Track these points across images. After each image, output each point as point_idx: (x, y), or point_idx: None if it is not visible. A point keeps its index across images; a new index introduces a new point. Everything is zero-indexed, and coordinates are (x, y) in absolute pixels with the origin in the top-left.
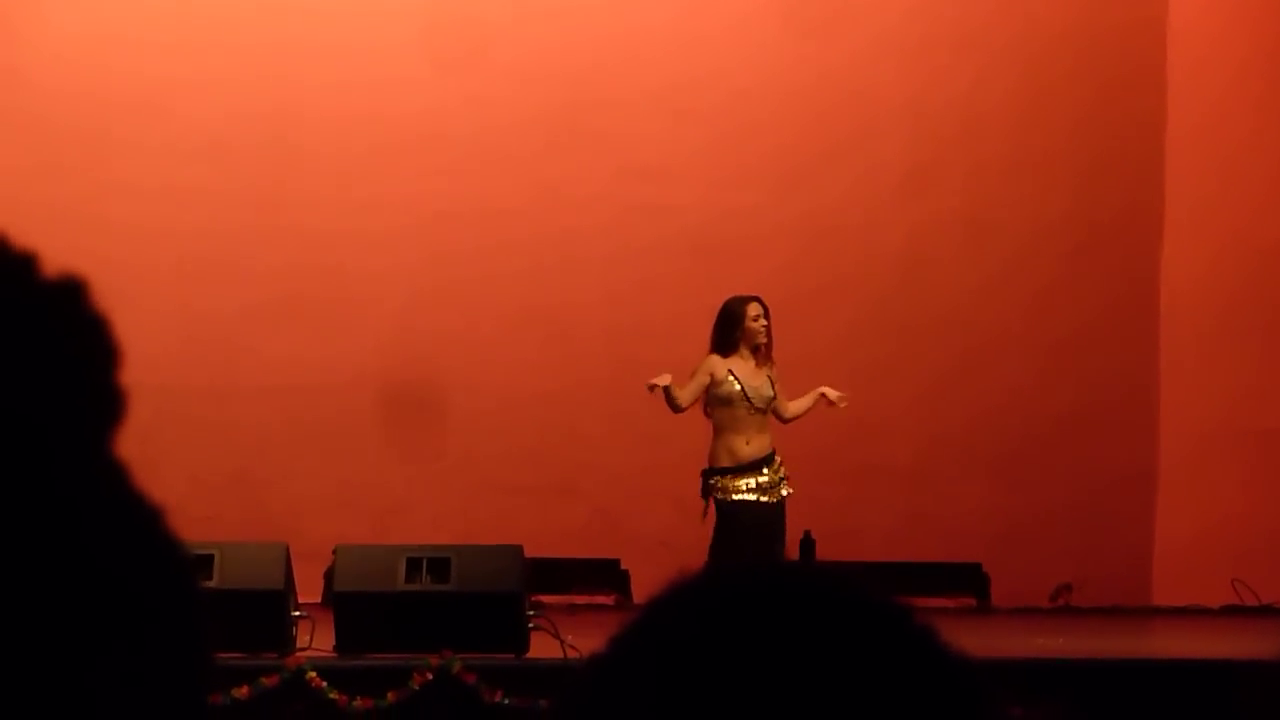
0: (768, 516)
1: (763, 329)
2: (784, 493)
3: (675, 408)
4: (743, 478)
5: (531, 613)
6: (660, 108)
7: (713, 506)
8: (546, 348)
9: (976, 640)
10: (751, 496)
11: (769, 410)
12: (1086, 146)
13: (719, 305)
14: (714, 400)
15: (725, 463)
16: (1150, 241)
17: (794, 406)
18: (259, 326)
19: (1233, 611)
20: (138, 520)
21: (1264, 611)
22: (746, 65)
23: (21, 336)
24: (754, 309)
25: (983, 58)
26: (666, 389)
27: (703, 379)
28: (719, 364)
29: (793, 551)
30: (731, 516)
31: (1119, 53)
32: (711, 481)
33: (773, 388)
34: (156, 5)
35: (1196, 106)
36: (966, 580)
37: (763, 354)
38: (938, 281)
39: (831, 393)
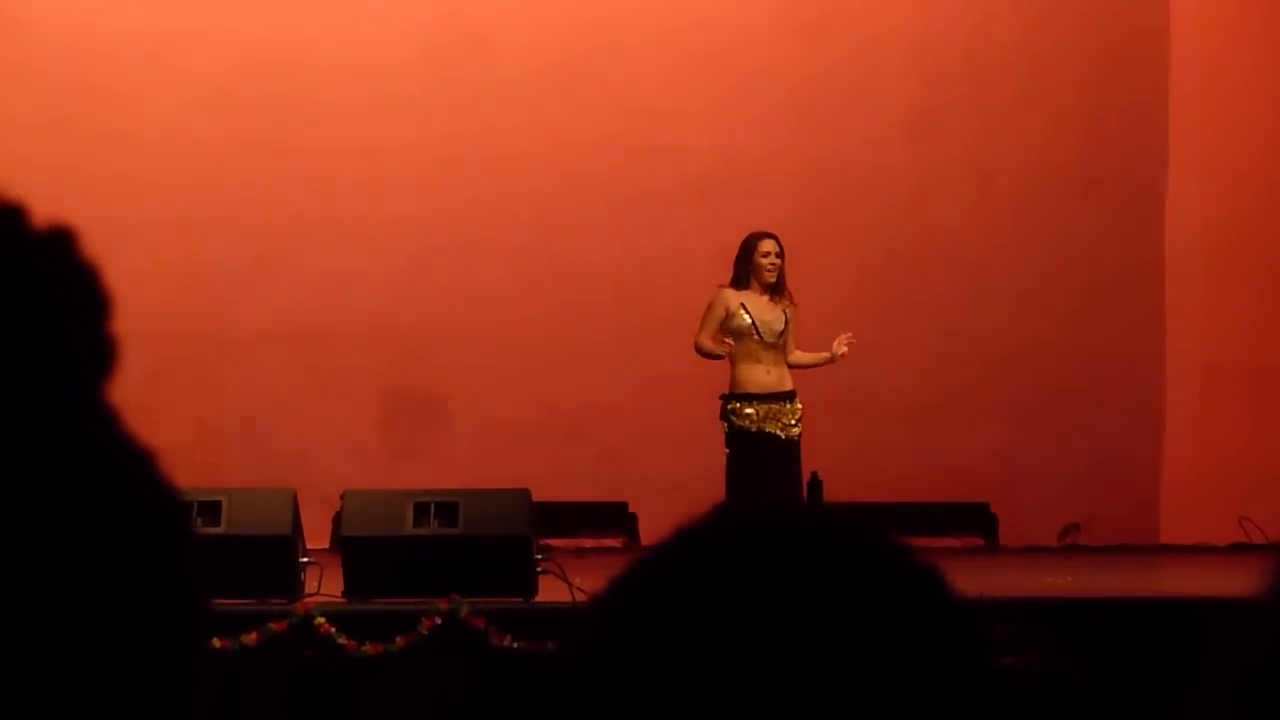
0: (784, 450)
1: (772, 266)
2: (797, 431)
3: (709, 355)
4: (762, 406)
5: (539, 556)
6: (667, 50)
7: (725, 435)
8: (554, 291)
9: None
10: (768, 427)
11: (780, 344)
12: (1093, 91)
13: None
14: (728, 332)
15: (748, 388)
16: (1155, 181)
17: (798, 356)
18: (265, 274)
19: (1240, 549)
20: (128, 464)
21: (1271, 549)
22: (754, 7)
23: (9, 285)
24: (766, 245)
25: (990, 2)
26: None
27: (718, 313)
28: (731, 297)
29: (801, 491)
30: (746, 444)
31: None
32: (730, 406)
33: (785, 323)
34: None
35: (1200, 48)
36: (974, 520)
37: (778, 290)
38: (946, 223)
39: (840, 347)
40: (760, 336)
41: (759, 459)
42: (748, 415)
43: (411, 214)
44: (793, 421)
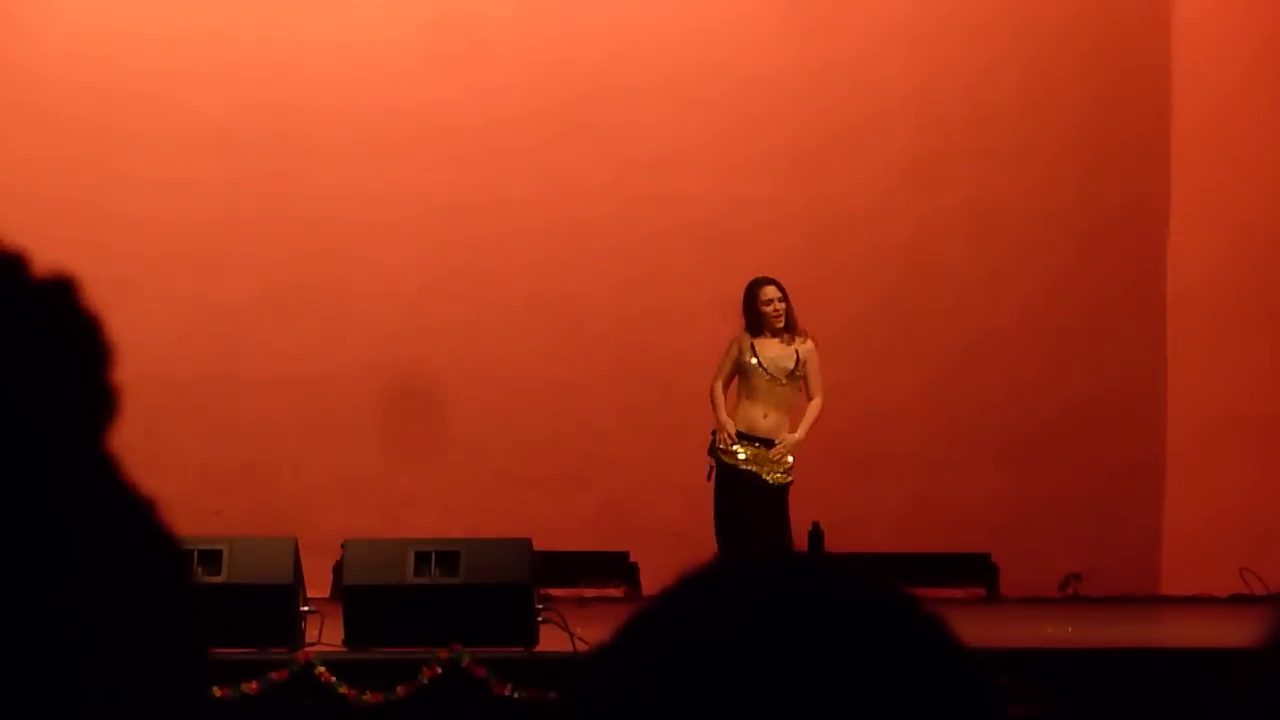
0: (769, 494)
1: (776, 312)
2: (785, 480)
3: (713, 406)
4: (750, 448)
5: (541, 606)
6: (668, 98)
7: (714, 469)
8: (555, 339)
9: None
10: (752, 468)
11: (789, 383)
12: (1094, 136)
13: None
14: (735, 368)
15: (741, 427)
16: (1157, 230)
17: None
18: (267, 319)
19: (1241, 601)
20: (128, 514)
21: (1272, 601)
22: (754, 55)
23: (10, 335)
24: (767, 292)
25: (990, 47)
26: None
27: (732, 354)
28: (744, 340)
29: (801, 541)
30: (733, 480)
31: (1126, 42)
32: (717, 440)
33: (797, 363)
34: None
35: (1203, 96)
36: (975, 570)
37: (789, 331)
38: (945, 271)
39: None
40: (766, 371)
41: (742, 499)
42: (734, 453)
43: (413, 259)
44: (779, 471)
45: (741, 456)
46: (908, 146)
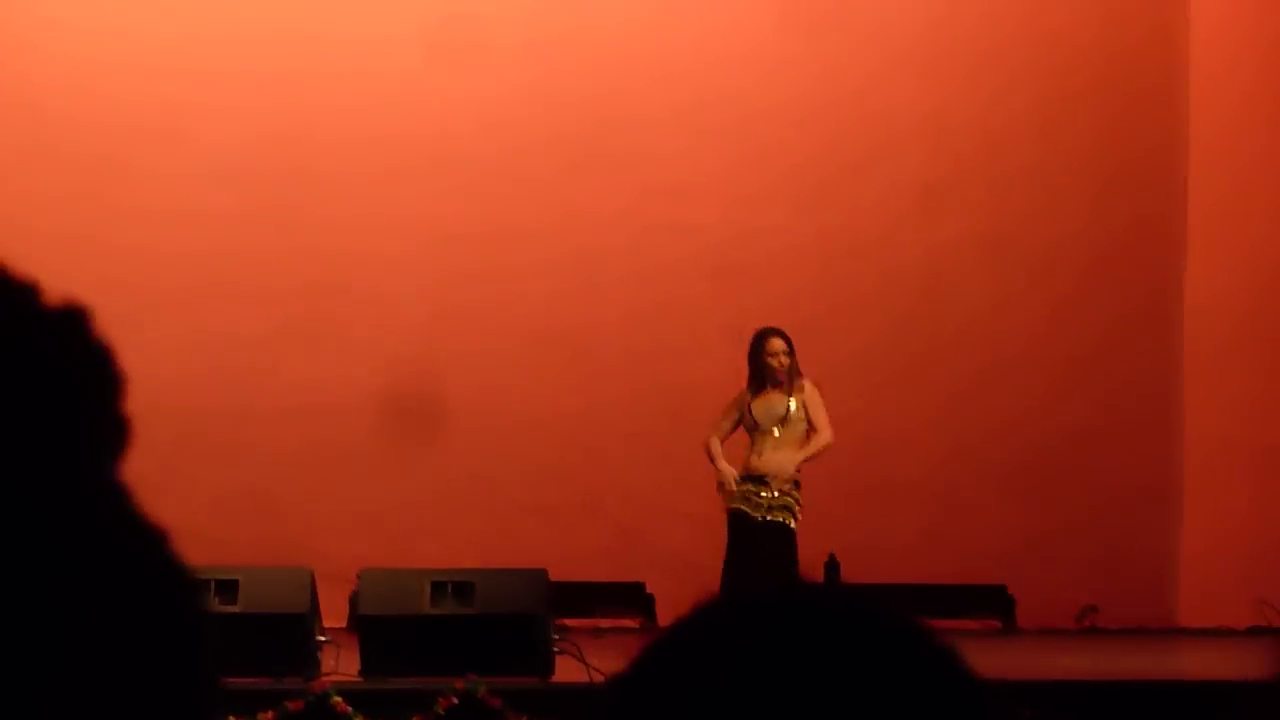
0: (769, 534)
1: (781, 365)
2: (779, 519)
3: (711, 460)
4: (744, 487)
5: (556, 636)
6: (679, 128)
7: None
8: (567, 368)
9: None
10: (748, 509)
11: (784, 429)
12: (1106, 161)
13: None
14: (734, 426)
15: (740, 473)
16: (1172, 255)
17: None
18: (279, 349)
19: (1258, 632)
20: (140, 544)
21: None
22: (766, 84)
23: (23, 365)
24: (773, 344)
25: (1002, 73)
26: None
27: (732, 415)
28: (746, 399)
29: (817, 572)
30: (738, 526)
31: (1139, 67)
32: (724, 493)
33: (789, 410)
34: (170, 32)
35: (1217, 120)
36: (992, 602)
37: (796, 380)
38: (957, 297)
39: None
40: (758, 424)
41: (750, 541)
42: (736, 496)
43: (424, 289)
44: (777, 508)
45: (740, 490)
46: (919, 174)
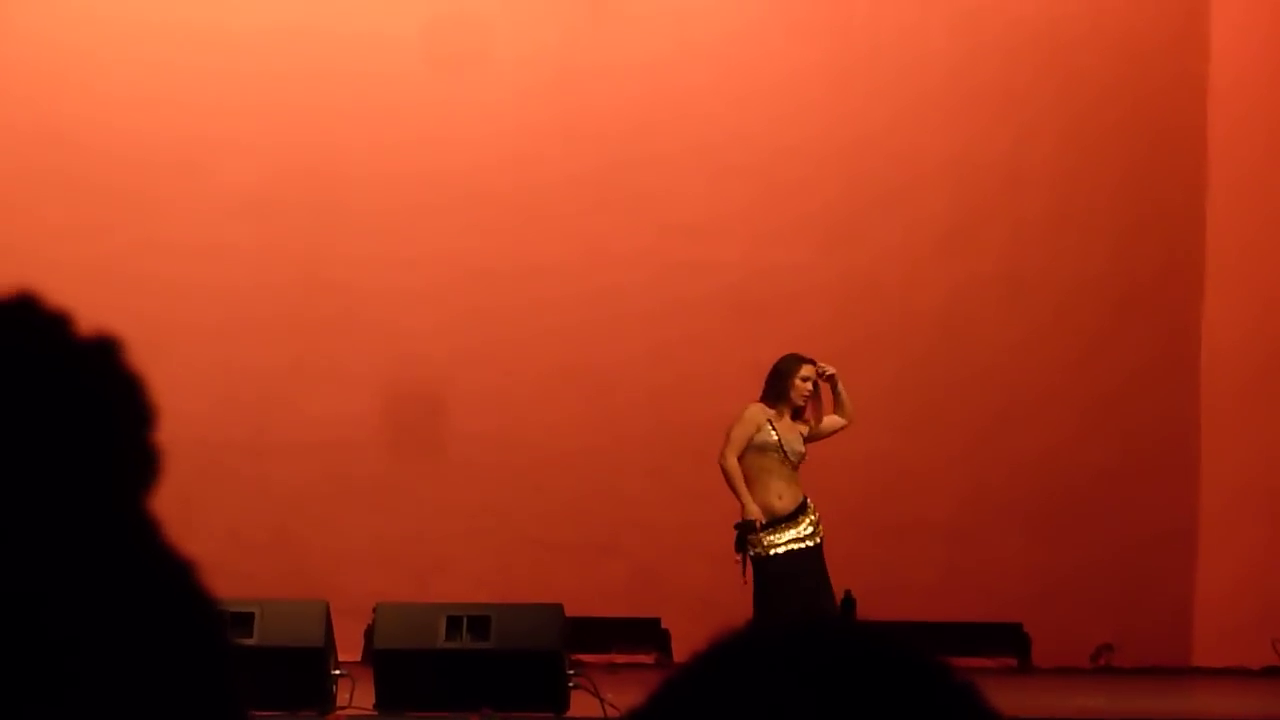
0: (808, 563)
1: (806, 394)
2: (819, 539)
3: (728, 478)
4: (779, 531)
5: (571, 671)
6: (702, 165)
7: (750, 563)
8: (588, 404)
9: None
10: (787, 548)
11: (798, 465)
12: (1127, 204)
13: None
14: (750, 447)
15: (761, 518)
16: (1191, 298)
17: (829, 422)
18: (297, 382)
19: (1273, 673)
20: (168, 574)
21: None
22: (788, 123)
23: (55, 395)
24: (806, 370)
25: (1025, 116)
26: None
27: (748, 430)
28: (760, 414)
29: (833, 606)
30: (772, 571)
31: (1161, 110)
32: (749, 538)
33: (804, 444)
34: (196, 66)
35: (1238, 165)
36: (1007, 640)
37: (803, 415)
38: (978, 338)
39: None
40: (785, 455)
41: (788, 580)
42: (769, 544)
43: (444, 324)
44: (808, 533)
45: (772, 544)
46: (942, 214)
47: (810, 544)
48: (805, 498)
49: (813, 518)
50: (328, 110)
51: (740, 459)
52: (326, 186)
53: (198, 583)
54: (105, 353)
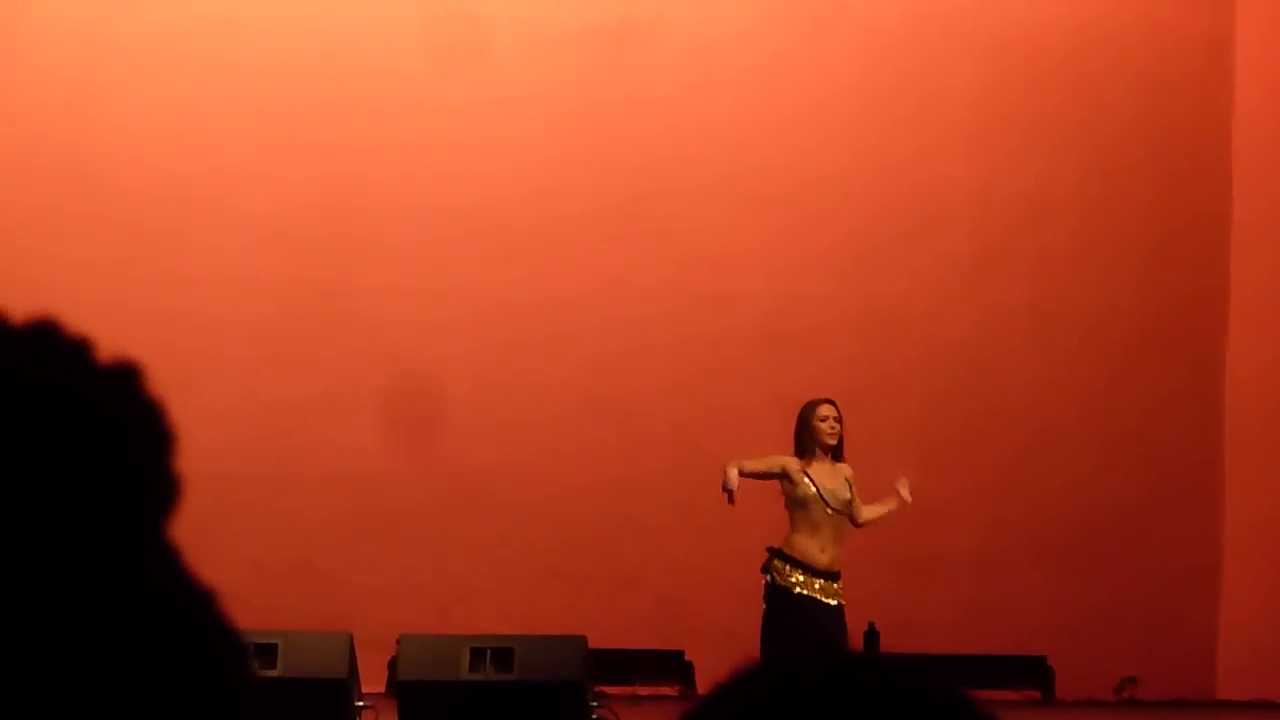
0: (827, 616)
1: (831, 430)
2: (834, 603)
3: (726, 481)
4: (807, 576)
5: (595, 703)
6: (725, 196)
7: (766, 588)
8: (611, 436)
9: None
10: (807, 592)
11: (846, 514)
12: (1152, 236)
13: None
14: (791, 502)
15: (794, 556)
16: (1215, 330)
17: (868, 512)
18: (322, 415)
19: None
20: (190, 603)
21: None
22: (812, 154)
23: (75, 421)
24: (824, 409)
25: (1049, 148)
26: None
27: (770, 463)
28: (794, 464)
29: (856, 643)
30: (786, 603)
31: (1184, 142)
32: (776, 563)
33: (850, 490)
34: (218, 99)
35: (1262, 196)
36: (1031, 673)
37: (839, 455)
38: (1003, 370)
39: (905, 491)
40: (826, 504)
41: (797, 617)
42: (793, 581)
43: (467, 355)
44: (831, 593)
45: (796, 579)
46: (966, 246)
47: (832, 602)
48: (839, 571)
49: (838, 588)
50: (350, 143)
51: (789, 513)
52: (348, 219)
53: (220, 612)
54: (125, 378)
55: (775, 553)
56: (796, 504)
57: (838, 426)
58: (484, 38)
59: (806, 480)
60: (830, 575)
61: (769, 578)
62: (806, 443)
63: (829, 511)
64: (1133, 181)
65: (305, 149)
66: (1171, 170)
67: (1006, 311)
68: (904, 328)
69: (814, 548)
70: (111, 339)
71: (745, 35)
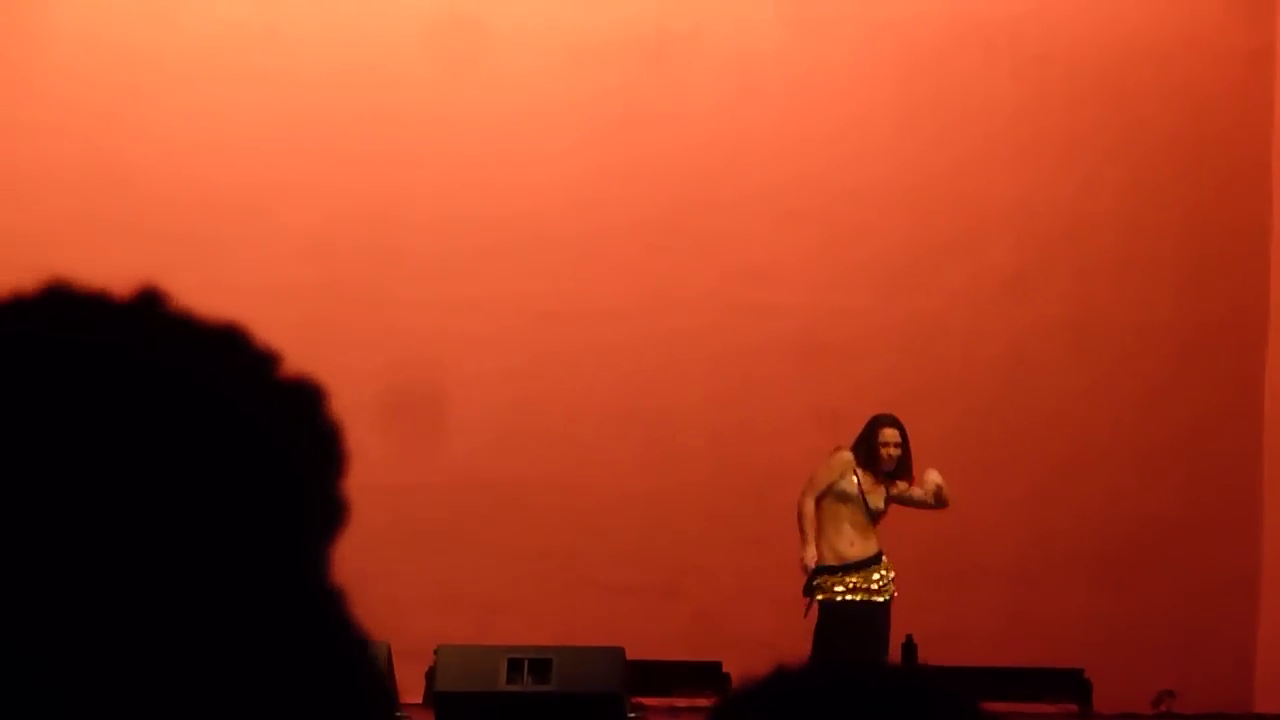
0: (872, 616)
1: (889, 458)
2: (891, 593)
3: (801, 525)
4: (849, 576)
5: (632, 715)
6: (766, 209)
7: (815, 606)
8: (650, 449)
9: None
10: (857, 596)
11: (876, 520)
12: (1192, 250)
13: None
14: (830, 492)
15: (830, 561)
16: (1255, 345)
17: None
18: (361, 426)
19: None
20: (345, 648)
21: None
22: (853, 167)
23: (247, 433)
24: (887, 434)
25: (1088, 162)
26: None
27: (831, 478)
28: (846, 461)
29: (895, 655)
30: (835, 616)
31: (1224, 156)
32: (816, 581)
33: (885, 504)
34: (259, 109)
35: None
36: (1068, 686)
37: (896, 476)
38: (1042, 385)
39: (933, 476)
40: (865, 508)
41: (849, 628)
42: (836, 588)
43: (507, 368)
44: (878, 586)
45: (836, 587)
46: (1006, 260)
47: (878, 599)
48: (881, 552)
49: (885, 574)
50: (391, 154)
51: (819, 501)
52: (388, 230)
53: (373, 661)
54: (305, 396)
55: (816, 570)
56: (835, 495)
57: (897, 453)
58: (523, 50)
59: (853, 477)
60: (866, 564)
61: (811, 599)
62: (865, 454)
63: (862, 514)
64: (1172, 195)
65: (345, 159)
66: (1211, 184)
67: (1046, 325)
68: (943, 341)
69: (843, 543)
70: None
71: (786, 47)
